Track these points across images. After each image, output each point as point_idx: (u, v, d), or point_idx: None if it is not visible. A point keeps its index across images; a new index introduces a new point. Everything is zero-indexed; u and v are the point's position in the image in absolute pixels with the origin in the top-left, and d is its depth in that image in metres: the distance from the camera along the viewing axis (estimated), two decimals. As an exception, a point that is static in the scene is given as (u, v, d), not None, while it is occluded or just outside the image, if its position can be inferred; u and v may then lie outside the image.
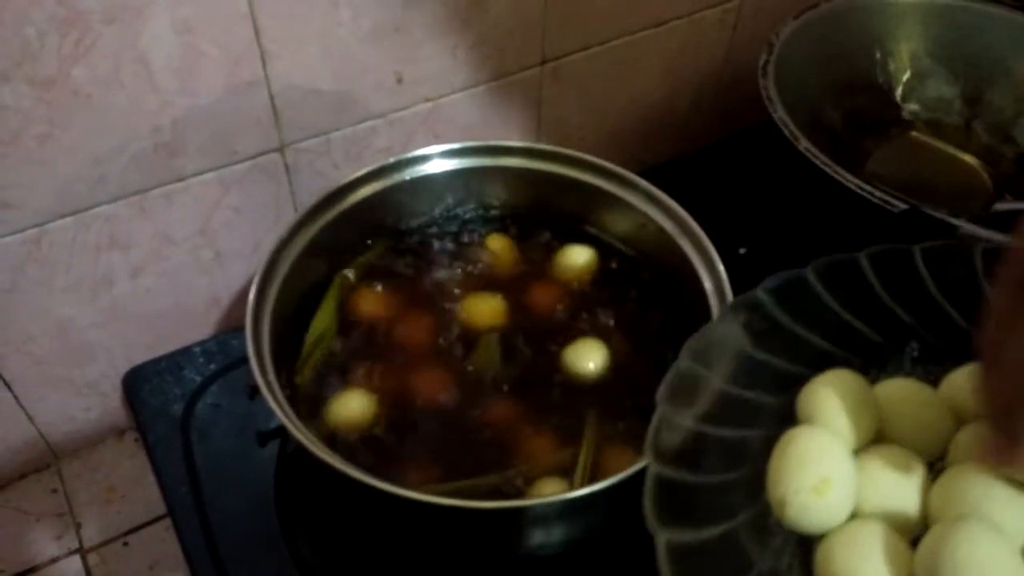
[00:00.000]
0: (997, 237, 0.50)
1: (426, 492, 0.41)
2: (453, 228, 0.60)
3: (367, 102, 0.58)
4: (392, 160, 0.56)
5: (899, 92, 0.72)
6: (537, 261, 0.58)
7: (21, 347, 0.56)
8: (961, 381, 0.33)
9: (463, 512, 0.42)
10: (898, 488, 0.31)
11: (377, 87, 0.57)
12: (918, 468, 0.31)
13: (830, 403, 0.32)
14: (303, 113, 0.55)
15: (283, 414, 0.43)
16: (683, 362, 0.33)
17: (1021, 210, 0.64)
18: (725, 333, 0.35)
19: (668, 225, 0.54)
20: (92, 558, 0.59)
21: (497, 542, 0.48)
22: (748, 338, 0.35)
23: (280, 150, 0.57)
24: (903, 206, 0.53)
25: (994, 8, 0.69)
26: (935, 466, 0.32)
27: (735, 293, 0.48)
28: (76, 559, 0.59)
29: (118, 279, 0.56)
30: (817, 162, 0.56)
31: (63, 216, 0.51)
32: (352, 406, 0.50)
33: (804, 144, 0.57)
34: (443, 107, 0.61)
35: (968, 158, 0.69)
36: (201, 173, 0.54)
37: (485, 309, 0.55)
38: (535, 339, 0.54)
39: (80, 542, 0.59)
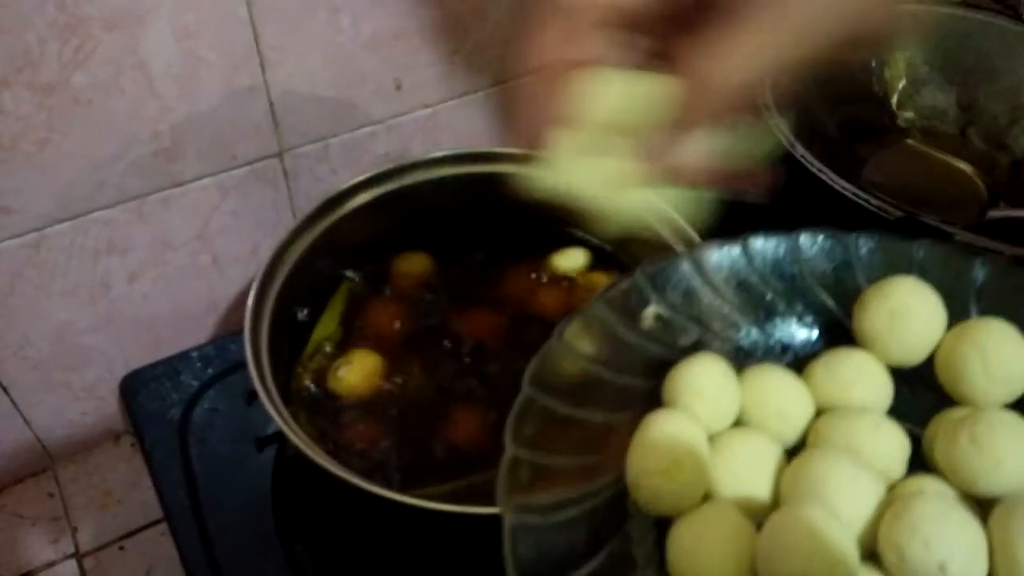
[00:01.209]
0: (993, 244, 0.51)
1: (423, 497, 0.41)
2: (452, 234, 0.60)
3: (366, 108, 0.58)
4: (391, 166, 0.56)
5: (895, 100, 0.73)
6: (533, 266, 0.58)
7: (18, 351, 0.56)
8: (823, 369, 0.34)
9: (460, 517, 0.42)
10: (752, 473, 0.31)
11: (376, 93, 0.57)
12: (774, 453, 0.32)
13: (690, 388, 0.33)
14: (302, 119, 0.56)
15: (281, 419, 0.43)
16: (553, 343, 0.33)
17: (1016, 217, 0.64)
18: (600, 316, 0.35)
19: (665, 231, 0.55)
20: (88, 562, 0.59)
21: (493, 546, 0.49)
22: (622, 321, 0.35)
23: (279, 155, 0.57)
24: (899, 213, 0.53)
25: (989, 17, 0.69)
26: (795, 453, 0.32)
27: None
28: (72, 563, 0.59)
29: (116, 284, 0.56)
30: (813, 169, 0.56)
31: (62, 221, 0.51)
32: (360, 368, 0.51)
33: (800, 151, 0.57)
34: (442, 113, 0.61)
35: (963, 165, 0.70)
36: (200, 178, 0.55)
37: (481, 314, 0.56)
38: (531, 344, 0.54)
39: (76, 546, 0.59)
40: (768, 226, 0.69)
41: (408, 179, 0.57)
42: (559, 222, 0.60)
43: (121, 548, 0.59)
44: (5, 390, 0.57)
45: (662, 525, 0.31)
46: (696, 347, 0.35)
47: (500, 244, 0.59)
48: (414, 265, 0.57)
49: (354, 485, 0.41)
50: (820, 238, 0.37)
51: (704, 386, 0.33)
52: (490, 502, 0.44)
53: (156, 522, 0.60)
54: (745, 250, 0.37)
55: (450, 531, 0.46)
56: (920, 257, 0.36)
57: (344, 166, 0.60)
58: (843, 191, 0.55)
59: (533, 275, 0.58)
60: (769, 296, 0.37)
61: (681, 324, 0.36)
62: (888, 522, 0.28)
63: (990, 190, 0.68)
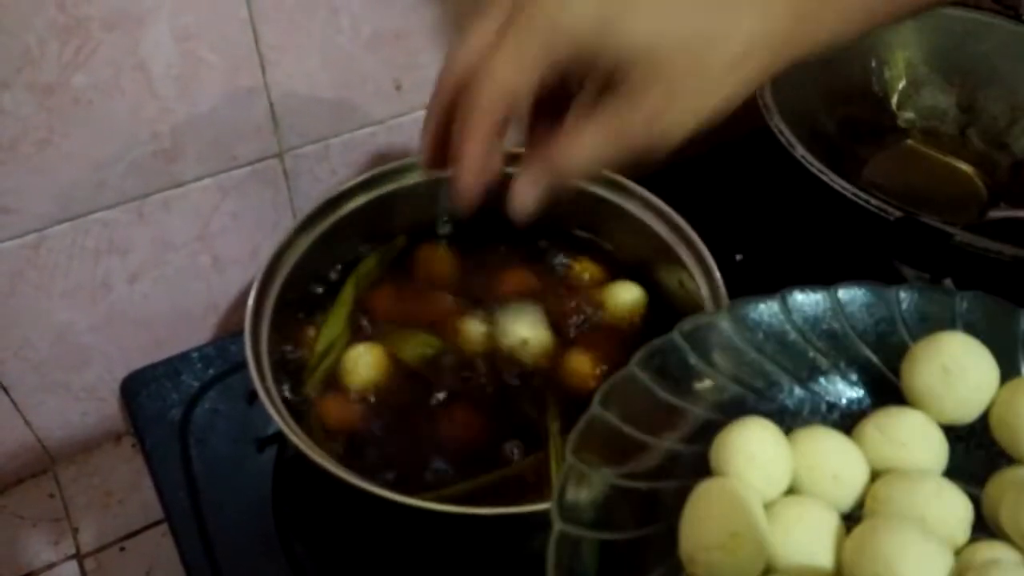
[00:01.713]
0: (992, 245, 0.51)
1: (424, 498, 0.41)
2: (451, 235, 0.60)
3: (366, 108, 0.58)
4: (391, 166, 0.56)
5: (895, 100, 0.73)
6: (534, 268, 0.58)
7: (19, 352, 0.56)
8: (874, 429, 0.33)
9: (460, 518, 0.42)
10: (812, 542, 0.30)
11: (376, 94, 0.58)
12: (832, 520, 0.31)
13: (742, 454, 0.31)
14: (302, 119, 0.56)
15: (281, 420, 0.43)
16: (595, 410, 0.32)
17: (1016, 218, 0.64)
18: (639, 378, 0.34)
19: (664, 231, 0.55)
20: (89, 563, 0.59)
21: (494, 547, 0.49)
22: (663, 384, 0.34)
23: (279, 156, 0.57)
24: (898, 214, 0.53)
25: (989, 17, 0.69)
26: (851, 517, 0.31)
27: (731, 300, 0.48)
28: (73, 564, 0.59)
29: (116, 284, 0.56)
30: (813, 169, 0.56)
31: (62, 222, 0.51)
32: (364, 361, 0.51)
33: (800, 151, 0.57)
34: (441, 114, 0.61)
35: (963, 166, 0.70)
36: (200, 179, 0.55)
37: (480, 315, 0.55)
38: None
39: (77, 547, 0.59)
40: (771, 228, 0.69)
41: (408, 180, 0.57)
42: (561, 223, 0.60)
43: (122, 549, 0.59)
44: (5, 391, 0.57)
45: None
46: (739, 407, 0.34)
47: (502, 243, 0.59)
48: (426, 260, 0.57)
49: (354, 486, 0.41)
50: (860, 292, 0.36)
51: (756, 451, 0.31)
52: (490, 503, 0.44)
53: (157, 523, 0.60)
54: (784, 306, 0.36)
55: (450, 532, 0.46)
56: (964, 310, 0.35)
57: (344, 166, 0.60)
58: (843, 191, 0.55)
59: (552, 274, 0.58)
60: (811, 353, 0.36)
61: (723, 384, 0.35)
62: None
63: (990, 190, 0.68)
